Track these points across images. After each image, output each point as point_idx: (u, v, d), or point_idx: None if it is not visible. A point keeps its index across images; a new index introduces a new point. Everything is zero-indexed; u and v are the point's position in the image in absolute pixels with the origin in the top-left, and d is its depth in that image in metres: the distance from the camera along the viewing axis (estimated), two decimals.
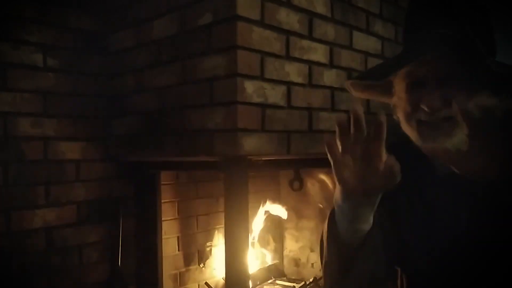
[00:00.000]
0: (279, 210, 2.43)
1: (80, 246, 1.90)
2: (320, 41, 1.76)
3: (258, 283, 2.36)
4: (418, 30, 0.87)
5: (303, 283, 2.28)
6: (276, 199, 2.58)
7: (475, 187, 0.85)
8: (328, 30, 1.80)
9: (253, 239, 2.31)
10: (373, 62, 1.97)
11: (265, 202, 2.42)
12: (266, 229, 2.51)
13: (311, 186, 2.43)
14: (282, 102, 1.63)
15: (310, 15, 1.72)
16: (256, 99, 1.54)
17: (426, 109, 0.83)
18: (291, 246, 2.57)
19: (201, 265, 2.26)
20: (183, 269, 2.20)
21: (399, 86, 0.90)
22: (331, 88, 1.80)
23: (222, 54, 1.52)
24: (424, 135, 0.85)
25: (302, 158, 1.89)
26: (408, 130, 0.89)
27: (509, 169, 0.84)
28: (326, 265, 0.86)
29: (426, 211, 0.92)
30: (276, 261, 2.56)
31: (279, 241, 2.60)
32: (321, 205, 2.29)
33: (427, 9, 0.88)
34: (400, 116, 0.90)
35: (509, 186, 0.82)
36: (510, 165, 0.84)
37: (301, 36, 1.69)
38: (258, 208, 2.40)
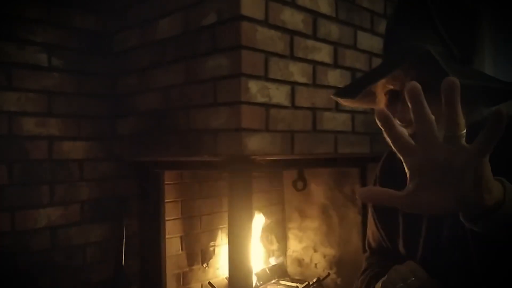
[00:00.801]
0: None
1: (84, 245, 1.91)
2: (324, 41, 1.76)
3: (261, 283, 2.36)
4: (394, 42, 0.87)
5: (306, 283, 2.28)
6: (279, 199, 2.58)
7: None
8: (332, 30, 1.80)
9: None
10: (377, 62, 1.97)
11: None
12: (269, 229, 2.51)
13: (315, 186, 2.43)
14: (286, 102, 1.63)
15: (314, 15, 1.72)
16: (260, 99, 1.54)
17: (399, 122, 0.83)
18: (295, 246, 2.57)
19: (205, 265, 2.26)
20: (187, 269, 2.20)
21: (380, 97, 0.91)
22: (335, 88, 1.80)
23: (226, 54, 1.52)
24: None
25: (306, 158, 1.89)
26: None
27: None
28: None
29: (411, 219, 0.93)
30: (279, 261, 2.56)
31: (283, 241, 2.60)
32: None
33: (402, 22, 0.88)
34: None
35: None
36: None
37: (305, 36, 1.69)
38: (262, 208, 2.40)
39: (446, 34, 0.83)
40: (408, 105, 0.81)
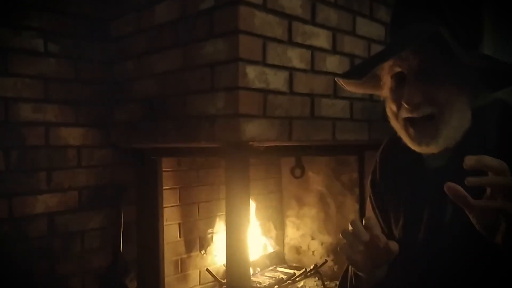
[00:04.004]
0: None
1: (82, 232, 1.91)
2: (323, 26, 1.75)
3: (259, 270, 2.37)
4: (401, 25, 0.87)
5: (303, 270, 2.29)
6: (277, 187, 2.59)
7: (461, 180, 0.86)
8: (331, 15, 1.78)
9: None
10: (376, 49, 1.96)
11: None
12: (267, 217, 2.52)
13: (313, 174, 2.43)
14: (284, 88, 1.62)
15: (313, 0, 1.71)
16: (258, 85, 1.53)
17: (405, 105, 0.83)
18: (292, 233, 2.58)
19: (202, 251, 2.27)
20: (185, 256, 2.21)
21: (385, 80, 0.91)
22: (333, 74, 1.79)
23: (224, 39, 1.50)
24: (411, 138, 0.86)
25: (304, 145, 1.88)
26: (396, 127, 0.90)
27: None
28: None
29: (414, 205, 0.93)
30: (277, 249, 2.57)
31: (280, 228, 2.60)
32: None
33: (409, 5, 0.88)
34: (388, 113, 0.91)
35: None
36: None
37: (303, 21, 1.67)
38: (260, 195, 2.41)
39: (452, 18, 0.82)
40: (414, 88, 0.82)
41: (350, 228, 0.82)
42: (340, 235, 0.85)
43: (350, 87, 0.96)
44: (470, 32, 0.84)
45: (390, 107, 0.89)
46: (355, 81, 0.93)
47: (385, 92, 0.92)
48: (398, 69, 0.86)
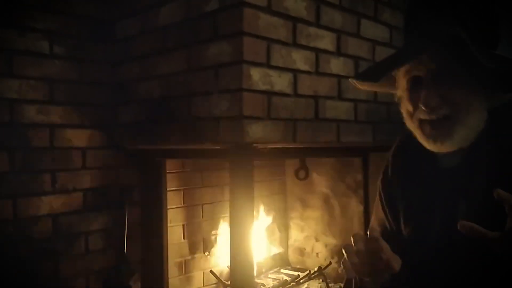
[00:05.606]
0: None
1: (86, 233, 1.92)
2: (327, 28, 1.74)
3: (263, 271, 2.36)
4: (416, 26, 0.87)
5: (307, 272, 2.28)
6: (281, 189, 2.58)
7: (475, 180, 0.85)
8: (335, 18, 1.78)
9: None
10: (380, 51, 1.95)
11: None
12: (271, 219, 2.51)
13: (317, 176, 2.43)
14: (288, 90, 1.62)
15: (318, 2, 1.70)
16: (262, 87, 1.53)
17: (423, 107, 0.83)
18: (296, 235, 2.57)
19: (206, 253, 2.27)
20: (188, 257, 2.21)
21: (401, 81, 0.90)
22: (338, 76, 1.79)
23: (228, 41, 1.50)
24: (426, 136, 0.86)
25: (308, 147, 1.88)
26: (411, 127, 0.90)
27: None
28: None
29: (426, 204, 0.93)
30: (281, 250, 2.56)
31: (284, 230, 2.60)
32: None
33: (425, 5, 0.87)
34: (403, 112, 0.91)
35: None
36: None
37: (308, 23, 1.67)
38: (264, 196, 2.40)
39: (469, 20, 0.82)
40: (432, 91, 0.82)
41: (352, 241, 0.83)
42: (343, 249, 0.86)
43: (363, 87, 0.96)
44: (487, 34, 0.84)
45: (406, 107, 0.89)
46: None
47: (400, 91, 0.92)
48: (415, 73, 0.86)
